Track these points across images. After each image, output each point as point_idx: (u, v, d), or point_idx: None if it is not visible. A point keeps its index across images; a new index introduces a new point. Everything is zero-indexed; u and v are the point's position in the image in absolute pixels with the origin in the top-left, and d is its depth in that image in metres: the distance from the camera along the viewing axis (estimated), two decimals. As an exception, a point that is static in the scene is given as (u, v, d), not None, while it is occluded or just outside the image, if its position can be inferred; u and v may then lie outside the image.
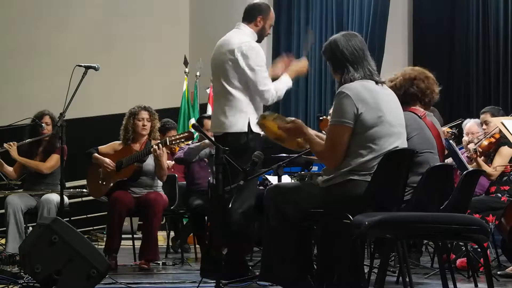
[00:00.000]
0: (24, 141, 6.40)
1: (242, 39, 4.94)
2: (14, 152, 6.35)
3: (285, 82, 5.05)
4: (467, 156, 5.86)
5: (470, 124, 6.39)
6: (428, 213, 3.55)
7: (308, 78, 10.27)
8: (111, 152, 6.15)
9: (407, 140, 4.13)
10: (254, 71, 4.87)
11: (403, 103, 4.01)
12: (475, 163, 5.78)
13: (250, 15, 5.04)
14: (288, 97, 10.17)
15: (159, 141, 5.94)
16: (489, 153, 5.87)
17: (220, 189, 4.03)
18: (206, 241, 5.80)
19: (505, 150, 5.82)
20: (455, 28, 9.54)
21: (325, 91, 10.03)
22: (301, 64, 5.17)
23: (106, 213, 6.04)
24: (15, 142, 6.36)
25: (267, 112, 4.12)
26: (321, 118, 6.02)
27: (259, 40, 5.07)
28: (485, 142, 5.83)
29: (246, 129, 4.85)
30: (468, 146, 5.93)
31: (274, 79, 5.06)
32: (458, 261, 5.58)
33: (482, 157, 5.83)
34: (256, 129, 4.78)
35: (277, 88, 4.98)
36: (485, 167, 5.74)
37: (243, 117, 4.87)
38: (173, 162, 6.80)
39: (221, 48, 5.00)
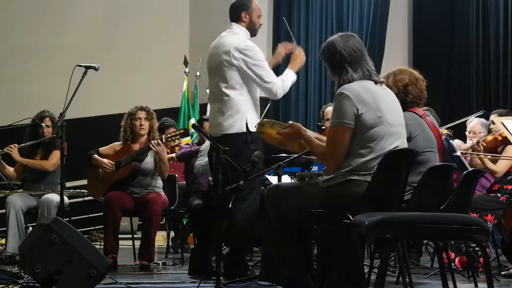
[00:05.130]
0: (25, 144, 6.38)
1: (236, 39, 4.93)
2: (15, 154, 6.33)
3: (289, 75, 5.04)
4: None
5: (473, 123, 6.22)
6: (428, 213, 3.55)
7: (308, 80, 10.26)
8: (111, 153, 6.17)
9: (411, 139, 4.14)
10: (255, 68, 4.87)
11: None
12: (477, 162, 5.71)
13: (235, 14, 5.04)
14: (288, 99, 10.17)
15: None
16: (495, 151, 5.78)
17: (220, 189, 4.03)
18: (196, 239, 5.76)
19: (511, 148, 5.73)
20: (455, 28, 9.53)
21: (325, 93, 10.01)
22: (299, 54, 5.15)
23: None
24: (16, 145, 6.34)
25: (264, 119, 4.13)
26: (323, 127, 5.99)
27: (253, 35, 5.06)
28: (490, 138, 5.74)
29: (244, 130, 4.84)
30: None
31: (276, 67, 5.05)
32: (457, 259, 5.57)
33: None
34: (254, 129, 4.77)
35: (283, 79, 4.98)
36: (488, 163, 5.66)
37: (241, 118, 4.85)
38: (174, 155, 6.93)
39: (216, 49, 4.99)
